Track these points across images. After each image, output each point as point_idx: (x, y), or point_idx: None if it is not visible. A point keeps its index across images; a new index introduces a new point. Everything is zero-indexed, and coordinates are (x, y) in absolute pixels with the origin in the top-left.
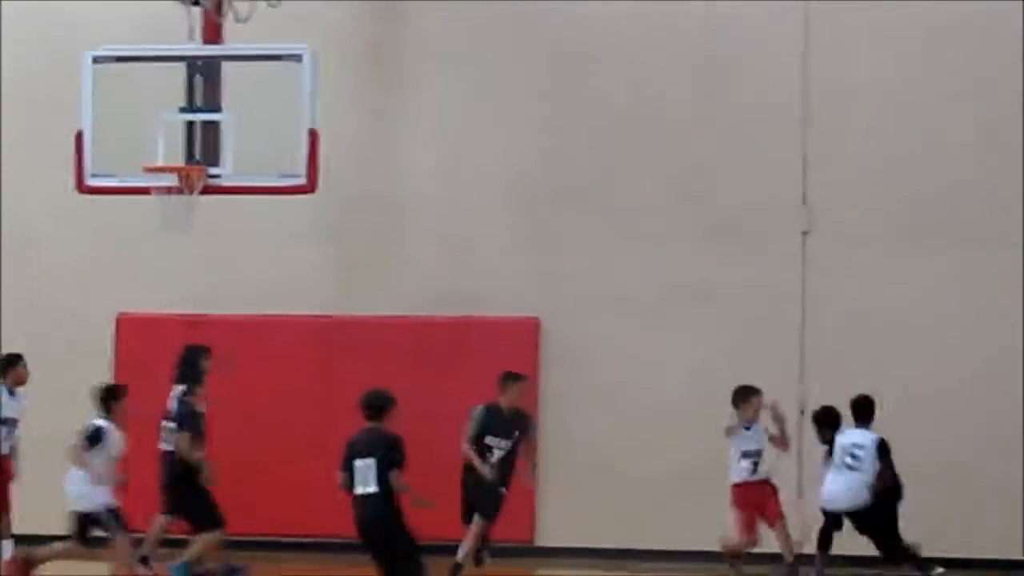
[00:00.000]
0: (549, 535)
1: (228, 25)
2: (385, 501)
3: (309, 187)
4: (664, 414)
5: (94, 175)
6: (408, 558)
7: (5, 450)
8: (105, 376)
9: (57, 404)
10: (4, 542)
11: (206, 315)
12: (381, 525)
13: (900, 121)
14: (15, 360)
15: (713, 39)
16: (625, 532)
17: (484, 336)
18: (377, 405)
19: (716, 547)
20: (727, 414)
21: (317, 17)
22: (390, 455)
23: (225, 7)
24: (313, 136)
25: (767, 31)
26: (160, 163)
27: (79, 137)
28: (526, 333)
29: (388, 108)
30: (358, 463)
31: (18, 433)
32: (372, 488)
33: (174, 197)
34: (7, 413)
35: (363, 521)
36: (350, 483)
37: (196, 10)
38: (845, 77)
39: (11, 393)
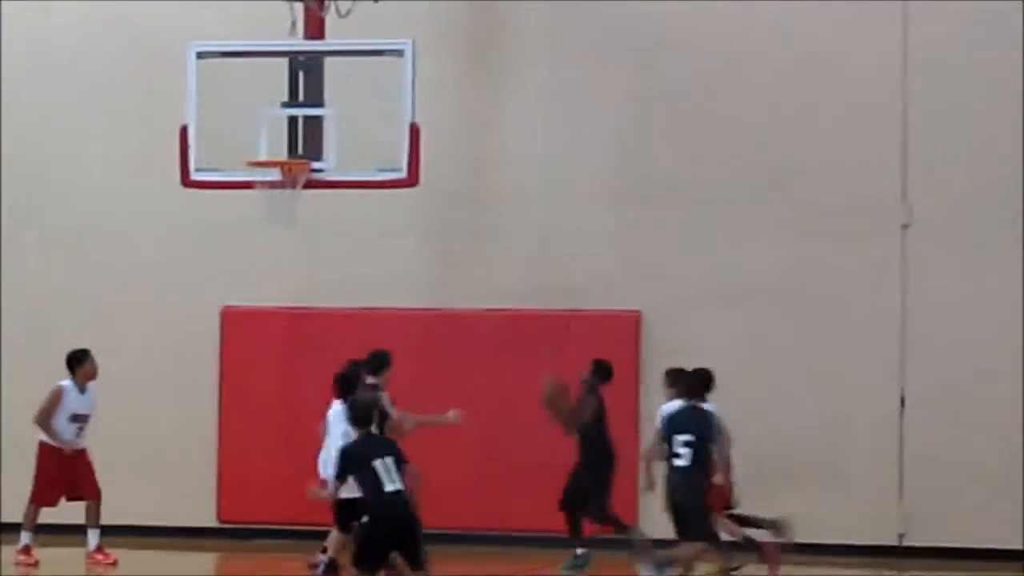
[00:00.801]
0: (653, 528)
1: (330, 20)
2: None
3: (410, 181)
4: (765, 407)
5: (198, 169)
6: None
7: (82, 444)
8: (211, 369)
9: (163, 397)
10: (91, 531)
11: (308, 308)
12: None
13: (1001, 113)
14: (83, 356)
15: (810, 30)
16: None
17: (585, 330)
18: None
19: (821, 537)
20: (829, 406)
21: (416, 12)
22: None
23: (327, 2)
24: (414, 130)
25: (866, 22)
26: (263, 158)
27: (183, 132)
28: (627, 327)
29: (487, 102)
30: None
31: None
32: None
33: (277, 191)
34: (79, 409)
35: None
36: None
37: (298, 5)
38: (945, 69)
39: (81, 390)
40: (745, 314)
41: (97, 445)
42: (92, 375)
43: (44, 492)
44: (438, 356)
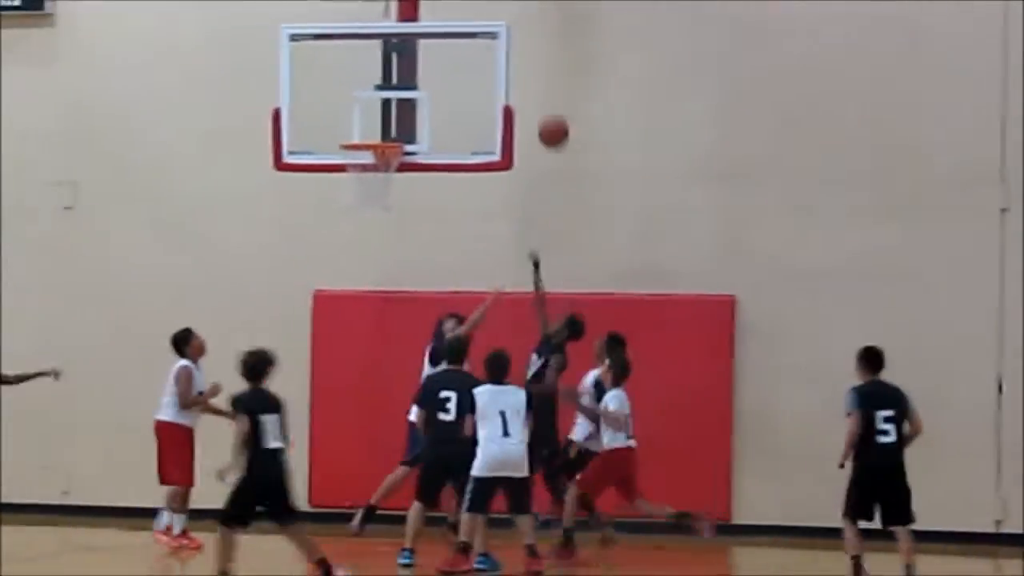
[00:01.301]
0: (747, 513)
1: (423, 2)
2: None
3: (504, 164)
4: None
5: (291, 152)
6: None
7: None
8: (303, 353)
9: None
10: (176, 516)
11: (400, 292)
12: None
13: None
14: (189, 335)
15: (901, 9)
16: (823, 510)
17: (679, 314)
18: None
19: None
20: (925, 391)
21: None
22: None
23: None
24: (507, 113)
25: (967, 5)
26: (356, 140)
27: (276, 114)
28: (721, 311)
29: (579, 85)
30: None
31: None
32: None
33: (370, 175)
34: (201, 386)
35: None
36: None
37: None
38: None
39: (198, 367)
40: (840, 297)
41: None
42: (202, 350)
43: (189, 472)
44: (529, 340)
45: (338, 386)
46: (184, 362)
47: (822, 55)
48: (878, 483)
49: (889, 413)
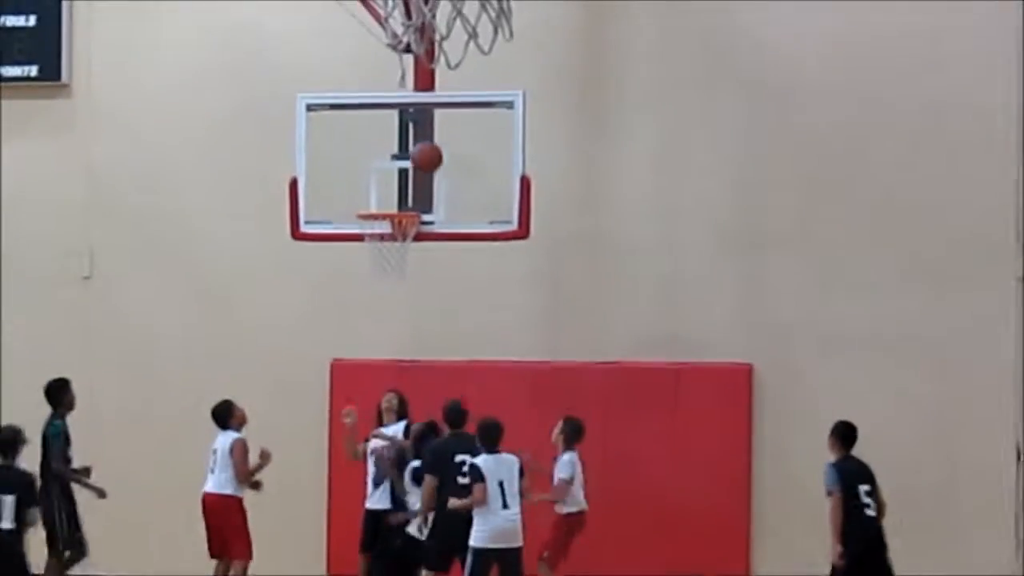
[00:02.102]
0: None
1: (439, 71)
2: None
3: (522, 233)
4: (879, 459)
5: (308, 222)
6: None
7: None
8: (321, 422)
9: (273, 448)
10: None
11: (417, 361)
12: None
13: None
14: (230, 406)
15: (920, 77)
16: None
17: (696, 382)
18: None
19: None
20: (945, 459)
21: (526, 62)
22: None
23: (437, 54)
24: (525, 182)
25: (978, 69)
26: (373, 210)
27: (293, 184)
28: (739, 379)
29: (598, 151)
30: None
31: None
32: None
33: (387, 244)
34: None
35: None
36: None
37: (408, 57)
38: None
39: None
40: (858, 367)
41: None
42: (244, 420)
43: (250, 544)
44: (547, 409)
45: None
46: (238, 435)
47: (843, 123)
48: (868, 557)
49: (869, 488)
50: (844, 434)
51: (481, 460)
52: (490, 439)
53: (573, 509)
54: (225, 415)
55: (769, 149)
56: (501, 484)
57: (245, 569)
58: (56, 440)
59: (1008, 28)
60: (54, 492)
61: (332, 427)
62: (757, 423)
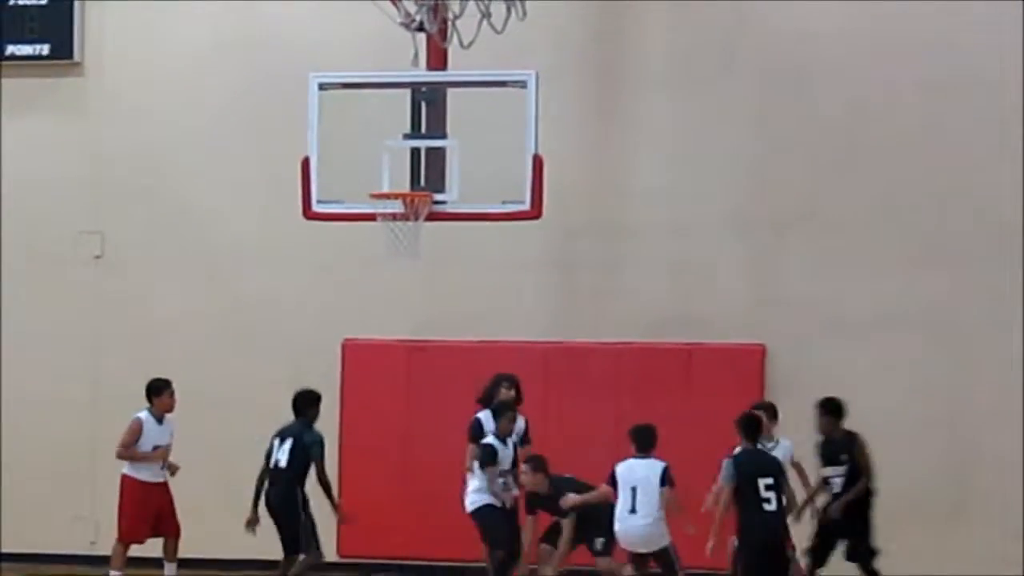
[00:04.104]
0: None
1: (452, 50)
2: None
3: (534, 213)
4: (889, 440)
5: (320, 202)
6: None
7: (163, 478)
8: (332, 402)
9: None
10: (167, 564)
11: (430, 341)
12: None
13: None
14: (163, 386)
15: (932, 57)
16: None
17: (709, 363)
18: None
19: (943, 571)
20: (955, 440)
21: (540, 42)
22: None
23: (450, 33)
24: (537, 162)
25: (988, 50)
26: (386, 189)
27: (305, 163)
28: (751, 360)
29: (611, 132)
30: None
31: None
32: None
33: (399, 224)
34: (158, 440)
35: None
36: None
37: (421, 36)
38: None
39: (159, 420)
40: (870, 346)
41: (220, 479)
42: (169, 408)
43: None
44: (559, 390)
45: (367, 436)
46: (140, 413)
47: (855, 105)
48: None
49: (770, 481)
50: (748, 425)
51: (622, 464)
52: (642, 441)
53: None
54: (150, 392)
55: (783, 131)
56: (634, 489)
57: (118, 553)
58: (317, 448)
59: None
60: (300, 496)
61: (343, 408)
62: None
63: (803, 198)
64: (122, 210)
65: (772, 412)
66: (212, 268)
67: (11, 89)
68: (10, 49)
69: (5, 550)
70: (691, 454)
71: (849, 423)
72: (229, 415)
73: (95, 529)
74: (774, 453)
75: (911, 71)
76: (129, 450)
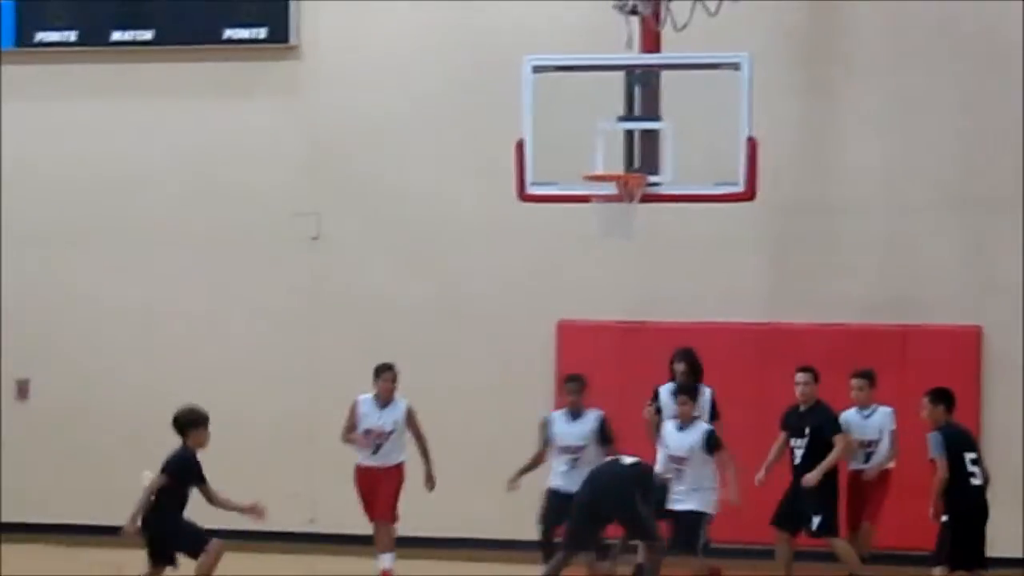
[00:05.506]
0: (995, 546)
1: (666, 33)
2: None
3: (748, 195)
4: None
5: (535, 183)
6: None
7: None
8: (547, 383)
9: (498, 410)
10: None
11: (644, 322)
12: None
13: None
14: (381, 370)
15: None
16: None
17: (924, 345)
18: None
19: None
20: None
21: (754, 21)
22: None
23: (663, 15)
24: (752, 144)
25: None
26: (600, 171)
27: (520, 146)
28: (968, 342)
29: (825, 111)
30: None
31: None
32: None
33: (614, 205)
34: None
35: None
36: None
37: (635, 19)
38: None
39: (382, 404)
40: None
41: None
42: (385, 391)
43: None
44: (774, 371)
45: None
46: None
47: None
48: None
49: (975, 455)
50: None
51: None
52: None
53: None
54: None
55: (997, 108)
56: None
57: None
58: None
59: None
60: None
61: (558, 388)
62: (986, 386)
63: (1018, 177)
64: (338, 192)
65: (872, 380)
66: (427, 250)
67: (229, 72)
68: (228, 33)
69: (222, 527)
70: (906, 436)
71: None
72: (445, 396)
73: (311, 506)
74: (872, 420)
75: None
76: (346, 434)
